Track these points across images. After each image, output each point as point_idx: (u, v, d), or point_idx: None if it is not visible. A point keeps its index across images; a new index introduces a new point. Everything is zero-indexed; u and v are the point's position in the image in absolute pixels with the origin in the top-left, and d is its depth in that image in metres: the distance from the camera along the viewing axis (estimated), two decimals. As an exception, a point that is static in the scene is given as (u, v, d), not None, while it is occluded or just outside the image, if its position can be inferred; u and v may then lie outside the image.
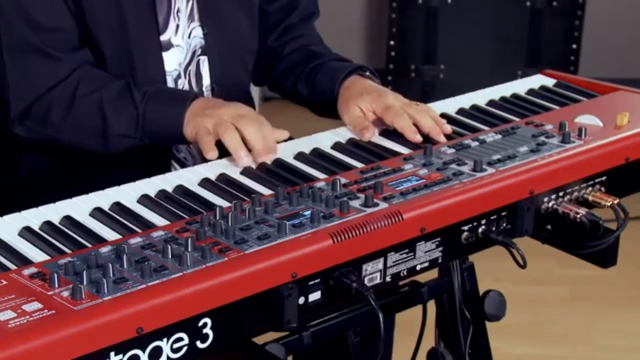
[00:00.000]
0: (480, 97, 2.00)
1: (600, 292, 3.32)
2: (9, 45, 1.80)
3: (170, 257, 1.31)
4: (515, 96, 2.01)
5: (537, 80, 2.11)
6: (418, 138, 1.77)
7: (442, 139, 1.77)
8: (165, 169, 1.91)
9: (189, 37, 1.94)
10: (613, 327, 3.17)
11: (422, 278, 1.83)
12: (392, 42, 4.60)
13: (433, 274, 1.89)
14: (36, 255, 1.38)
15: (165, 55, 1.91)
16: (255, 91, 3.36)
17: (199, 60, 1.95)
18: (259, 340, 1.56)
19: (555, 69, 4.42)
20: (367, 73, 1.96)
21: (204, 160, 1.69)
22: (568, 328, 3.16)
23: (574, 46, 4.59)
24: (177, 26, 1.91)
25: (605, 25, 4.78)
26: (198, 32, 1.94)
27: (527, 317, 3.19)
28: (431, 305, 1.96)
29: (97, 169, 1.89)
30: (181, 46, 1.93)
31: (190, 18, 1.93)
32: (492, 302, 1.92)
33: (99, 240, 1.42)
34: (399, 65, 4.63)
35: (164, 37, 1.90)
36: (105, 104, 1.80)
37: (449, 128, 1.80)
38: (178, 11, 1.91)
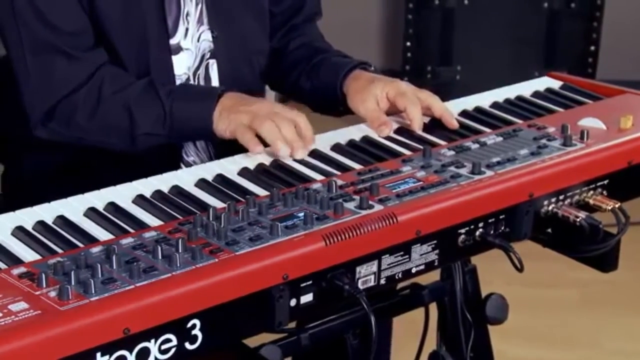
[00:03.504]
0: (485, 99, 1.98)
1: (611, 296, 3.30)
2: (31, 48, 1.80)
3: (160, 257, 1.31)
4: (519, 98, 2.00)
5: (543, 82, 2.09)
6: (420, 131, 1.80)
7: (455, 124, 1.82)
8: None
9: (198, 40, 1.93)
10: (623, 331, 3.14)
11: (425, 280, 1.82)
12: (408, 44, 4.58)
13: (435, 276, 1.88)
14: (27, 255, 1.38)
15: (175, 58, 1.91)
16: (270, 94, 3.35)
17: (207, 64, 1.95)
18: (256, 341, 1.56)
19: (573, 71, 4.42)
20: (372, 68, 1.98)
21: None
22: (578, 331, 3.14)
23: (592, 48, 4.56)
24: (187, 30, 1.91)
25: (624, 27, 4.75)
26: (207, 36, 1.94)
27: (537, 320, 3.17)
28: (434, 308, 1.95)
29: (101, 171, 1.89)
30: (190, 50, 1.93)
31: (200, 22, 1.93)
32: (494, 305, 1.90)
33: (92, 240, 1.41)
34: (415, 67, 4.61)
35: (173, 41, 1.90)
36: (132, 103, 1.80)
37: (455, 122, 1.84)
38: (187, 15, 1.91)
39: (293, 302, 1.37)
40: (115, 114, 1.80)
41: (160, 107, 1.79)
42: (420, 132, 1.80)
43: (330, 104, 1.95)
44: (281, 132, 1.69)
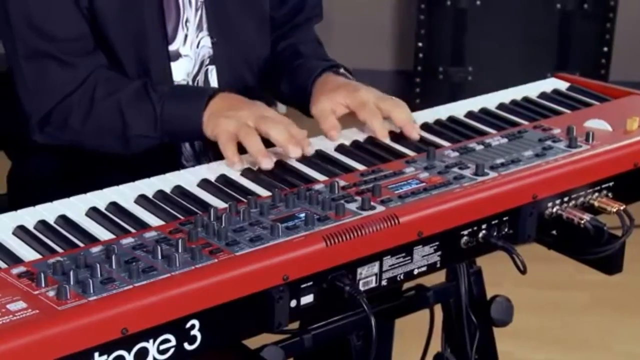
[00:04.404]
0: (491, 100, 1.97)
1: (622, 298, 3.29)
2: (24, 55, 1.81)
3: (160, 257, 1.31)
4: (526, 99, 1.99)
5: (550, 84, 2.08)
6: (387, 140, 1.76)
7: (415, 135, 1.76)
8: None
9: (198, 46, 1.93)
10: (634, 334, 3.13)
11: (430, 281, 1.82)
12: (420, 44, 4.58)
13: (440, 277, 1.87)
14: (28, 254, 1.38)
15: (174, 65, 1.91)
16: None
17: (207, 70, 1.95)
18: (258, 342, 1.55)
19: (586, 72, 4.40)
20: (341, 70, 1.94)
21: None
22: (588, 334, 3.13)
23: (605, 49, 4.55)
24: (186, 36, 1.91)
25: (638, 29, 4.73)
26: (206, 42, 1.94)
27: (546, 322, 3.16)
28: (439, 310, 1.94)
29: (104, 174, 1.88)
30: (189, 56, 1.92)
31: (199, 28, 1.93)
32: (499, 307, 1.90)
33: (93, 240, 1.41)
34: (426, 67, 4.60)
35: (172, 48, 1.90)
36: (124, 105, 1.80)
37: (419, 131, 1.78)
38: (187, 21, 1.91)
39: (293, 303, 1.37)
40: (108, 116, 1.80)
41: (152, 109, 1.78)
42: (387, 142, 1.75)
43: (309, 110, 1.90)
44: (270, 135, 1.66)
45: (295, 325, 1.62)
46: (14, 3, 1.78)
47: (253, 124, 1.68)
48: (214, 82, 1.95)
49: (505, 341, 2.03)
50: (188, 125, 1.76)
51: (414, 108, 1.85)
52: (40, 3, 1.78)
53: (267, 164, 1.64)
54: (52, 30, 1.79)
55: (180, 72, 1.91)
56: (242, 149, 1.68)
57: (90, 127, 1.81)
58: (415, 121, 1.79)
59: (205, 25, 1.93)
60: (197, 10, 1.91)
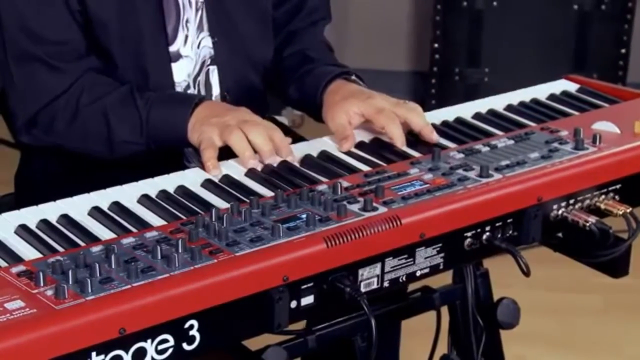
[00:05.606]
0: (500, 101, 1.97)
1: (634, 302, 3.26)
2: (13, 57, 1.82)
3: (159, 257, 1.31)
4: (534, 101, 1.98)
5: (560, 85, 2.07)
6: (403, 147, 1.75)
7: (435, 138, 1.76)
8: None
9: (198, 47, 1.93)
10: (645, 337, 3.11)
11: (437, 283, 1.81)
12: (436, 45, 4.56)
13: (447, 279, 1.87)
14: (29, 253, 1.39)
15: (174, 66, 1.91)
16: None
17: (208, 70, 1.95)
18: (261, 342, 1.55)
19: (603, 74, 4.36)
20: (353, 77, 1.93)
21: None
22: (600, 337, 3.10)
23: (623, 51, 4.51)
24: (186, 37, 1.91)
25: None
26: (207, 42, 1.94)
27: (558, 326, 3.14)
28: (446, 312, 1.93)
29: (109, 174, 1.89)
30: (190, 57, 1.92)
31: (200, 28, 1.93)
32: (505, 309, 1.89)
33: (94, 239, 1.42)
34: (442, 69, 4.58)
35: (172, 48, 1.90)
36: (109, 111, 1.80)
37: (436, 135, 1.78)
38: (187, 21, 1.91)
39: (293, 304, 1.37)
40: (94, 121, 1.81)
41: (137, 115, 1.79)
42: (403, 148, 1.75)
43: (319, 116, 1.89)
44: (249, 137, 1.67)
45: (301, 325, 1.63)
46: (6, 5, 1.79)
47: (236, 125, 1.68)
48: (215, 83, 1.95)
49: (517, 344, 2.02)
50: (173, 132, 1.76)
51: (429, 109, 1.85)
52: (31, 6, 1.79)
53: (253, 164, 1.65)
54: (42, 33, 1.80)
55: (181, 73, 1.91)
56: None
57: (76, 131, 1.82)
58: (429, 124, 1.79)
59: (205, 26, 1.93)
60: (197, 10, 1.91)
